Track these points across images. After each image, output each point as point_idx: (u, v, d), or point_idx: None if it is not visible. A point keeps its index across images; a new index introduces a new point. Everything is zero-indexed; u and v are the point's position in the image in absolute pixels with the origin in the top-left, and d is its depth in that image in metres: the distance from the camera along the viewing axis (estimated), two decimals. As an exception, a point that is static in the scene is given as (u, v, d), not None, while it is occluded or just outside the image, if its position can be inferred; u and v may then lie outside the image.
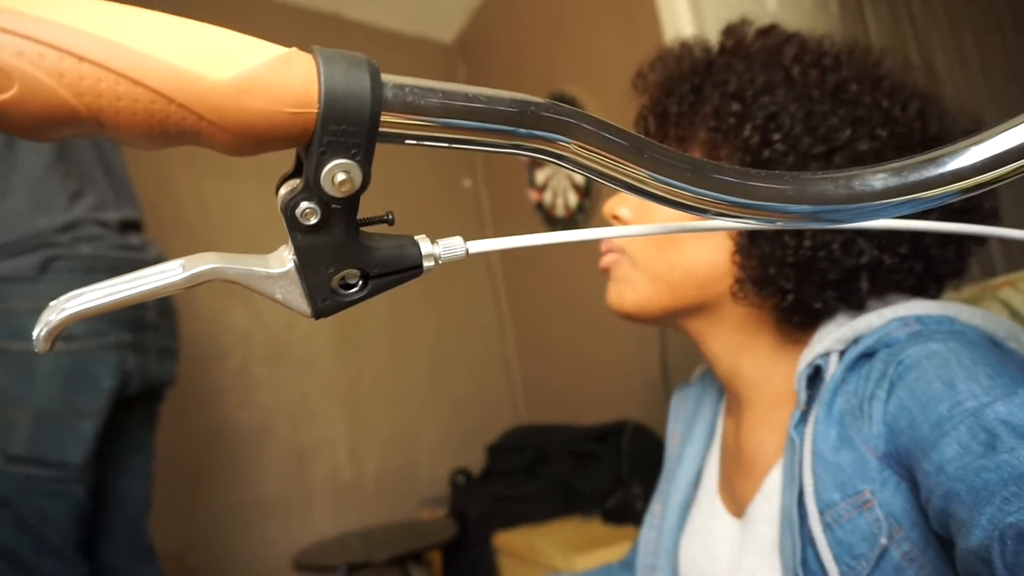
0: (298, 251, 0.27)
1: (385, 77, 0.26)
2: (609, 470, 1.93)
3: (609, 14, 2.09)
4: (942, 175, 0.30)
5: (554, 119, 0.29)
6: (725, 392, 0.74)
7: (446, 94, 0.27)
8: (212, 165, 2.67)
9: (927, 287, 0.62)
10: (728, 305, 0.64)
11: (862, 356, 0.54)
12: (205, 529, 2.39)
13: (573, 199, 2.36)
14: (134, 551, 1.27)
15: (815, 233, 0.57)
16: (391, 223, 0.30)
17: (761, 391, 0.65)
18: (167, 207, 2.59)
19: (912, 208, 0.31)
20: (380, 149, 0.26)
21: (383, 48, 2.96)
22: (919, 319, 0.53)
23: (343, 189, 0.26)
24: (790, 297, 0.59)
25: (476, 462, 2.55)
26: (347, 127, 0.25)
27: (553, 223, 2.49)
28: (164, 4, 0.29)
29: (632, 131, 0.30)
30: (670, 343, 1.75)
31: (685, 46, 0.69)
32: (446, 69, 3.05)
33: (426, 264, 0.30)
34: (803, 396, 0.56)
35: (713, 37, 0.70)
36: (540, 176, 2.54)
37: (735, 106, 0.60)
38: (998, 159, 0.30)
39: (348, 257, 0.28)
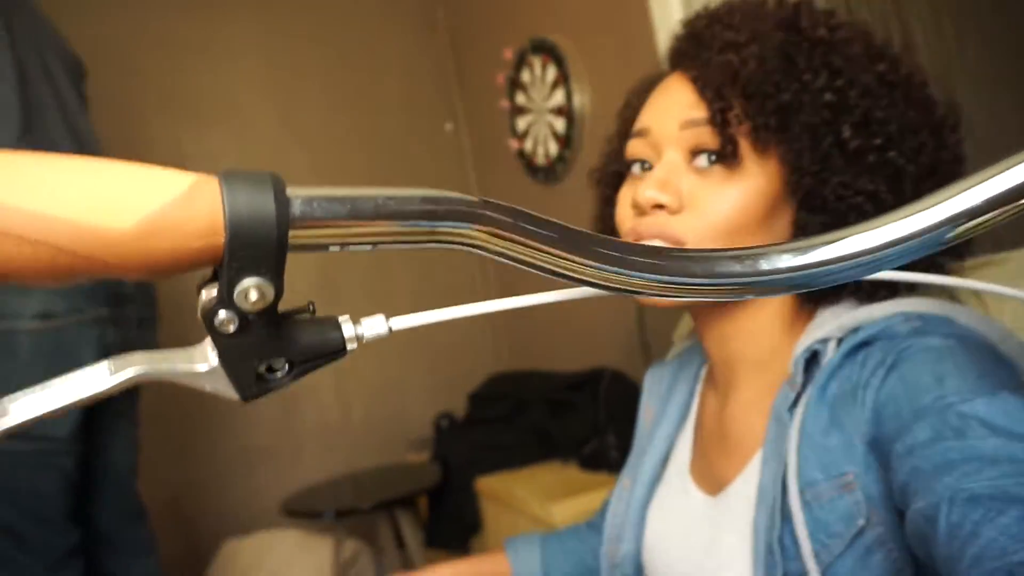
0: (220, 353, 0.29)
1: (292, 192, 0.27)
2: (586, 418, 1.99)
3: (590, -44, 2.02)
4: (842, 256, 0.32)
5: (463, 211, 0.30)
6: (707, 372, 0.75)
7: (355, 201, 0.28)
8: (185, 109, 2.61)
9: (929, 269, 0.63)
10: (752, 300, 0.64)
11: (861, 344, 0.55)
12: (197, 477, 2.46)
13: (554, 148, 2.34)
14: (124, 514, 1.32)
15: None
16: (313, 313, 0.31)
17: (758, 375, 0.65)
18: (140, 153, 2.54)
19: (812, 285, 0.32)
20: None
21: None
22: (921, 316, 0.55)
23: (257, 305, 0.27)
24: None
25: (460, 406, 2.62)
26: (255, 250, 0.26)
27: (535, 171, 2.48)
28: None
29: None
30: (646, 297, 1.78)
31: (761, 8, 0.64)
32: (425, 16, 2.96)
33: (349, 347, 0.32)
34: (799, 378, 0.57)
35: None
36: (521, 123, 2.51)
37: (831, 98, 0.59)
38: (898, 242, 0.31)
39: (271, 351, 0.30)
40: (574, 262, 0.32)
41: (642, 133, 0.65)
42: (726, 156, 0.59)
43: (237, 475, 2.50)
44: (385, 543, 2.00)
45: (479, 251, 0.31)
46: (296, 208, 0.27)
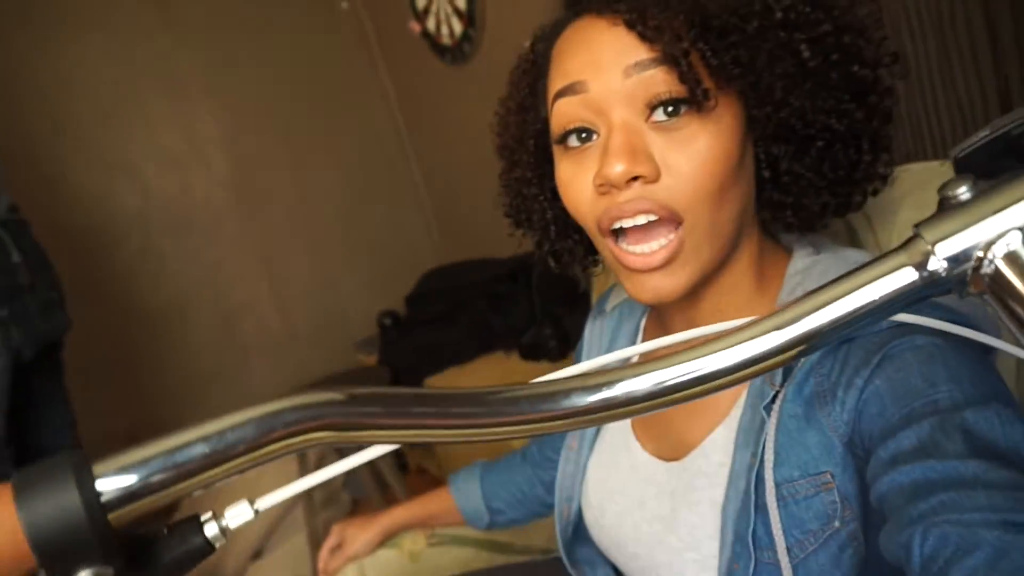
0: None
1: (100, 470, 0.25)
2: (523, 308, 2.04)
3: None
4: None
5: (302, 419, 0.29)
6: (651, 321, 0.72)
7: (174, 456, 0.26)
8: (53, 22, 2.32)
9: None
10: (734, 251, 0.60)
11: (842, 341, 0.52)
12: (150, 408, 2.47)
13: (458, 27, 2.19)
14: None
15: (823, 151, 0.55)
16: (167, 536, 0.30)
17: None
18: (23, 84, 2.29)
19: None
20: None
21: None
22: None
23: (97, 586, 0.26)
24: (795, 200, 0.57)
25: (401, 302, 2.63)
26: (75, 552, 0.25)
27: (442, 52, 2.33)
28: None
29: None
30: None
31: None
32: None
33: (217, 544, 0.31)
34: (778, 378, 0.54)
35: None
36: (419, 1, 2.31)
37: (783, 16, 0.52)
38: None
39: (133, 581, 0.29)
40: (432, 424, 0.31)
41: (574, 90, 0.54)
42: (696, 102, 0.51)
43: (188, 403, 2.52)
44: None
45: (325, 444, 0.30)
46: (110, 492, 0.25)
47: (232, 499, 0.33)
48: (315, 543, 2.05)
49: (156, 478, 0.26)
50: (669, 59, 0.51)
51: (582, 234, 0.65)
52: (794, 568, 0.52)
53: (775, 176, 0.58)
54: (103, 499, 0.25)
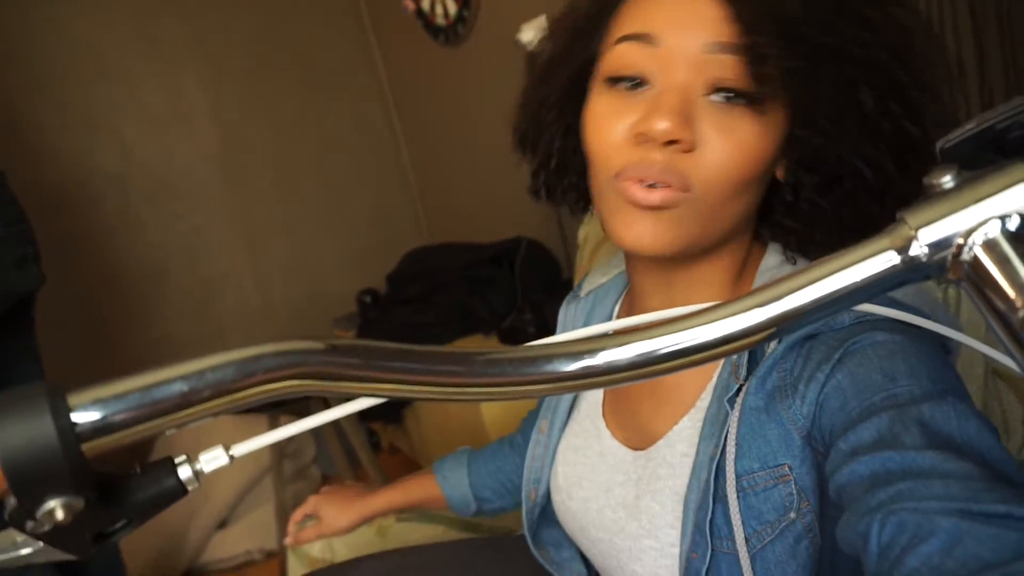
0: (45, 540, 0.28)
1: (76, 400, 0.25)
2: (504, 292, 2.04)
3: None
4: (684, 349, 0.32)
5: (282, 365, 0.29)
6: (625, 306, 0.72)
7: (151, 392, 0.26)
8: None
9: None
10: (719, 248, 0.60)
11: (805, 337, 0.53)
12: (121, 372, 2.43)
13: (452, 7, 2.17)
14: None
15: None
16: (140, 474, 0.30)
17: None
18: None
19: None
20: None
21: None
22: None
23: (66, 518, 0.26)
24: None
25: (383, 281, 2.62)
26: (47, 479, 0.24)
27: (435, 33, 2.31)
28: None
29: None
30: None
31: None
32: None
33: (190, 487, 0.31)
34: (743, 371, 0.55)
35: None
36: (415, -23, 2.29)
37: (860, 52, 0.52)
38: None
39: (103, 519, 0.29)
40: (417, 381, 0.31)
41: (647, 39, 0.54)
42: (754, 99, 0.52)
43: None
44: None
45: (304, 393, 0.30)
46: (85, 422, 0.25)
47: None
48: (282, 515, 2.04)
49: (132, 413, 0.25)
50: (751, 52, 0.51)
51: (580, 176, 0.65)
52: (752, 558, 0.53)
53: (794, 203, 0.58)
54: (77, 429, 0.25)
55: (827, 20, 0.52)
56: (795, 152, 0.55)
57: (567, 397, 0.74)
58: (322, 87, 2.75)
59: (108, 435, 0.25)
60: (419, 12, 2.33)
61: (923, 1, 1.09)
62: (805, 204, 0.57)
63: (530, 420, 0.93)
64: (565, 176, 0.67)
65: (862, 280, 0.30)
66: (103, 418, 0.25)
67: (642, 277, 0.64)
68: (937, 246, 0.29)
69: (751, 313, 0.31)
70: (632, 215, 0.54)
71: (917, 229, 0.29)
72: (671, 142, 0.51)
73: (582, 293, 0.79)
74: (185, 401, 0.26)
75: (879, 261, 0.30)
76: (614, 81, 0.56)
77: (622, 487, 0.64)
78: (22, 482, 0.24)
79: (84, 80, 2.39)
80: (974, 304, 0.29)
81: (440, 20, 2.25)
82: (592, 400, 0.72)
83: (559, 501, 0.72)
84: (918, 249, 0.29)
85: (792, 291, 0.31)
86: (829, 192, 0.56)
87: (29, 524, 0.26)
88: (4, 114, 2.26)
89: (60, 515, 0.25)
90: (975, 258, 0.28)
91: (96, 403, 0.25)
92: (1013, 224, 0.28)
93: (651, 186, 0.53)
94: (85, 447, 0.25)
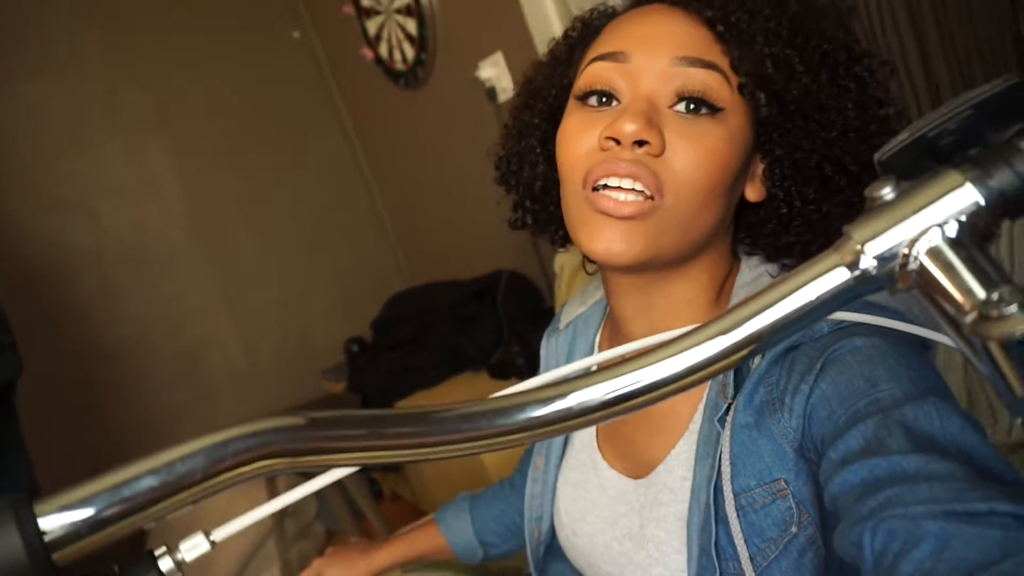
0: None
1: (41, 509, 0.25)
2: (490, 327, 2.04)
3: None
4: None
5: (251, 447, 0.28)
6: (606, 335, 0.72)
7: (119, 492, 0.26)
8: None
9: None
10: (692, 264, 0.61)
11: (787, 350, 0.53)
12: (114, 449, 2.40)
13: (410, 51, 2.20)
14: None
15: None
16: (119, 573, 0.30)
17: None
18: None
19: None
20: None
21: None
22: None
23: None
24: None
25: (368, 328, 2.61)
26: (17, 593, 0.24)
27: (395, 77, 2.34)
28: None
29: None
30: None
31: None
32: None
33: (171, 579, 0.31)
34: (730, 390, 0.55)
35: None
36: (371, 27, 2.33)
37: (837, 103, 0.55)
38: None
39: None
40: (388, 445, 0.31)
41: (615, 58, 0.56)
42: (716, 109, 0.54)
43: (152, 441, 2.39)
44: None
45: (278, 471, 0.30)
46: (54, 531, 0.24)
47: (209, 524, 0.32)
48: (288, 578, 2.00)
49: (103, 514, 0.25)
50: (719, 68, 0.54)
51: (557, 206, 0.65)
52: None
53: (789, 214, 0.59)
54: (47, 539, 0.24)
55: (790, 32, 0.55)
56: (778, 162, 0.57)
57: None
58: (289, 142, 2.77)
59: (80, 540, 0.25)
60: (378, 59, 2.36)
61: (862, 3, 1.12)
62: (803, 214, 0.59)
63: (527, 458, 0.91)
64: (549, 202, 0.68)
65: (818, 298, 0.31)
66: (72, 524, 0.25)
67: (622, 301, 0.63)
68: (884, 259, 0.29)
69: (715, 341, 0.31)
70: (602, 224, 0.54)
71: (863, 243, 0.30)
72: (639, 143, 0.53)
73: (561, 325, 0.78)
74: (156, 496, 0.26)
75: (832, 278, 0.30)
76: (585, 97, 0.58)
77: (626, 518, 0.63)
78: (-8, 601, 0.23)
79: (50, 159, 2.39)
80: (928, 309, 0.30)
81: (399, 65, 2.28)
82: (586, 434, 0.71)
83: (564, 538, 0.71)
84: (867, 263, 0.30)
85: (751, 316, 0.31)
86: (826, 197, 0.58)
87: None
88: (-29, 201, 2.26)
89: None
90: (921, 266, 0.29)
91: (63, 508, 0.25)
92: (952, 230, 0.28)
93: (623, 192, 0.54)
94: (57, 556, 0.24)
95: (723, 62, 0.55)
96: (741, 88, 0.54)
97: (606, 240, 0.54)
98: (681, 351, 0.31)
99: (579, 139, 0.57)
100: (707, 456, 0.56)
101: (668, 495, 0.59)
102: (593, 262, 0.61)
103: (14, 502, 0.24)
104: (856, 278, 0.30)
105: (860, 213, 0.31)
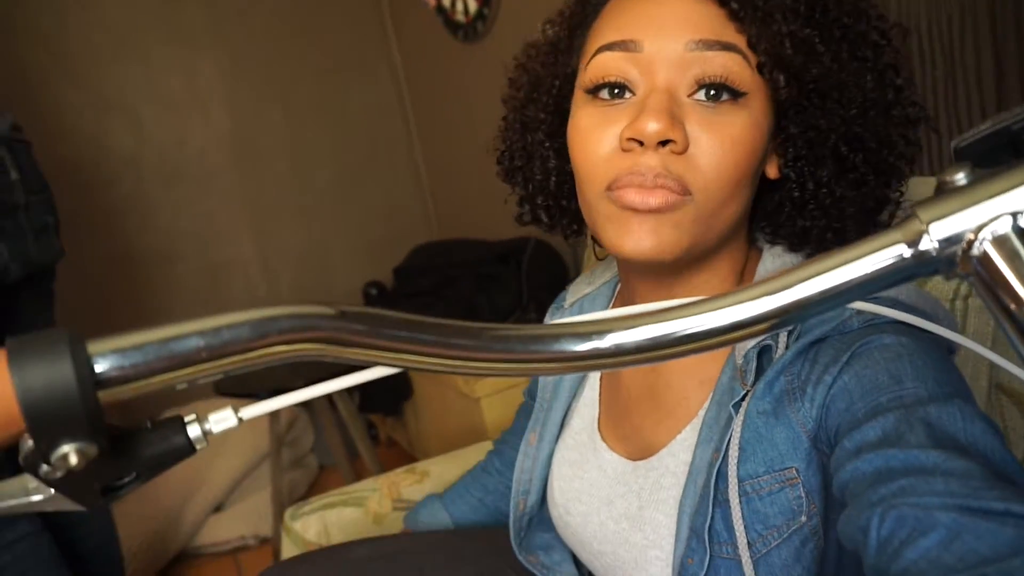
0: (56, 487, 0.28)
1: (95, 348, 0.25)
2: (510, 290, 2.04)
3: None
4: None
5: (296, 328, 0.29)
6: None
7: (168, 346, 0.26)
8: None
9: None
10: (716, 254, 0.60)
11: (814, 341, 0.53)
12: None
13: (473, 5, 2.18)
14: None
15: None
16: (150, 429, 0.31)
17: None
18: (21, 19, 2.26)
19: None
20: None
21: None
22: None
23: (79, 464, 0.26)
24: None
25: (389, 275, 2.63)
26: (63, 423, 0.25)
27: (455, 29, 2.32)
28: None
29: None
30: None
31: None
32: None
33: (198, 445, 0.32)
34: (751, 377, 0.54)
35: None
36: (437, -27, 2.30)
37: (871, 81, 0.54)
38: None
39: (111, 473, 0.30)
40: (429, 354, 0.32)
41: (625, 47, 0.53)
42: (738, 93, 0.52)
43: None
44: (320, 410, 2.08)
45: (316, 357, 0.30)
46: (103, 370, 0.25)
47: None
48: (278, 503, 2.05)
49: (148, 364, 0.26)
50: (738, 49, 0.51)
51: (571, 200, 0.64)
52: (755, 563, 0.53)
53: (802, 197, 0.58)
54: (95, 376, 0.25)
55: (808, 6, 0.52)
56: (792, 141, 0.55)
57: (558, 411, 0.73)
58: (339, 77, 2.76)
59: (124, 384, 0.26)
60: (439, 7, 2.34)
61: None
62: (816, 197, 0.57)
63: (507, 442, 0.91)
64: (561, 196, 0.66)
65: (871, 272, 0.30)
66: (120, 367, 0.25)
67: (641, 291, 0.62)
68: (948, 241, 0.29)
69: (760, 301, 0.31)
70: (630, 221, 0.52)
71: (928, 223, 0.29)
72: (664, 143, 0.50)
73: (566, 303, 0.76)
74: (201, 356, 0.27)
75: (889, 253, 0.30)
76: (595, 91, 0.55)
77: (623, 498, 0.63)
78: (39, 423, 0.24)
79: (103, 60, 2.41)
80: (981, 300, 0.30)
81: (460, 16, 2.26)
82: (587, 415, 0.71)
83: (557, 516, 0.71)
84: (928, 243, 0.29)
85: (801, 280, 0.31)
86: (841, 178, 0.56)
87: (43, 469, 0.27)
88: (23, 89, 2.28)
89: (74, 460, 0.26)
90: (985, 253, 0.29)
91: (115, 352, 0.26)
92: (1024, 221, 0.28)
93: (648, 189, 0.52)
94: (101, 395, 0.25)
95: (740, 41, 0.51)
96: (760, 68, 0.52)
97: (636, 237, 0.52)
98: (726, 306, 0.31)
99: (596, 139, 0.54)
100: (710, 440, 0.56)
101: (671, 479, 0.59)
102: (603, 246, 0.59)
103: (71, 336, 0.25)
104: (915, 256, 0.29)
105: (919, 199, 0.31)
